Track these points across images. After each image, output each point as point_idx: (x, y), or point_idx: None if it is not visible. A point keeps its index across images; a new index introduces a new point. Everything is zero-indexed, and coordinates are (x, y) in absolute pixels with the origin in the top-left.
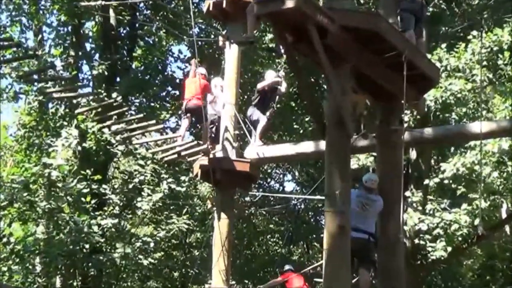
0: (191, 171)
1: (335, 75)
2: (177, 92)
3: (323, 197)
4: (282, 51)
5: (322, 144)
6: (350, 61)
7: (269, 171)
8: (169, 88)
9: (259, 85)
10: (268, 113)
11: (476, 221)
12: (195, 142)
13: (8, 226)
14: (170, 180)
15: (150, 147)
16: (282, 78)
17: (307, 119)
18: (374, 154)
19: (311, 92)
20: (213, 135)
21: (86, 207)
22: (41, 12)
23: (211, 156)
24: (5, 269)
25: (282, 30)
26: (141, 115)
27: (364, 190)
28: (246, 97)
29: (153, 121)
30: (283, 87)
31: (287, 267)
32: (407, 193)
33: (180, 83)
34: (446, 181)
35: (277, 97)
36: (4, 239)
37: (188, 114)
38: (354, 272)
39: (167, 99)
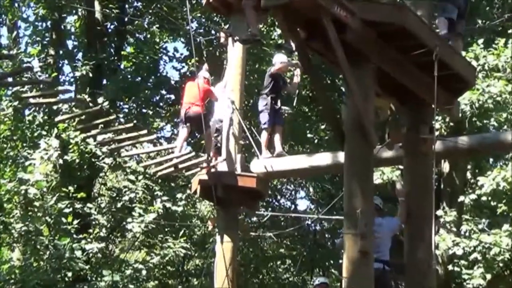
0: (189, 187)
1: (355, 76)
2: (172, 97)
3: (342, 217)
4: (294, 48)
5: (341, 156)
6: (372, 60)
7: (279, 187)
8: (164, 92)
9: (273, 69)
10: (279, 119)
11: None
12: (193, 154)
13: None
14: (165, 198)
15: (141, 160)
16: (298, 67)
17: (322, 126)
18: (401, 167)
19: (327, 96)
20: (218, 145)
21: (68, 229)
22: (16, 4)
23: (212, 170)
24: None
25: (294, 25)
26: (131, 123)
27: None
28: (251, 101)
29: (145, 131)
30: (297, 76)
31: (321, 279)
32: (439, 212)
33: (176, 86)
34: (484, 198)
35: (292, 89)
36: None
37: (188, 124)
38: None
39: (161, 104)
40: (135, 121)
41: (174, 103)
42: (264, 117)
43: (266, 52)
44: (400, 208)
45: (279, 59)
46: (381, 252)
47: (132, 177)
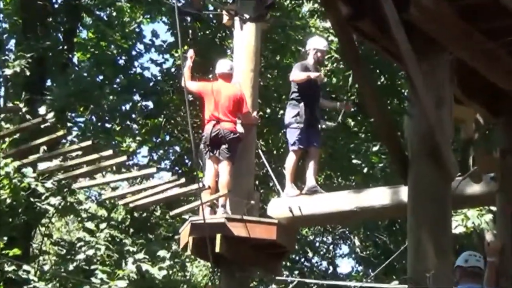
0: (176, 240)
1: (423, 73)
2: (150, 104)
3: (405, 286)
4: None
5: (402, 192)
6: (449, 49)
7: (311, 239)
8: (137, 98)
9: (291, 76)
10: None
11: None
12: (181, 181)
13: None
14: (140, 256)
15: (105, 200)
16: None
17: (375, 148)
18: (493, 208)
19: (382, 102)
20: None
21: None
22: None
23: (207, 213)
24: None
25: None
26: (89, 142)
27: (466, 280)
28: (269, 111)
29: (109, 151)
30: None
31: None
32: None
33: (156, 88)
34: None
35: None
36: None
37: (215, 150)
38: None
39: (134, 116)
40: (95, 140)
41: (154, 114)
42: (292, 134)
43: (291, 38)
44: (488, 270)
45: (314, 44)
46: None
47: (90, 224)
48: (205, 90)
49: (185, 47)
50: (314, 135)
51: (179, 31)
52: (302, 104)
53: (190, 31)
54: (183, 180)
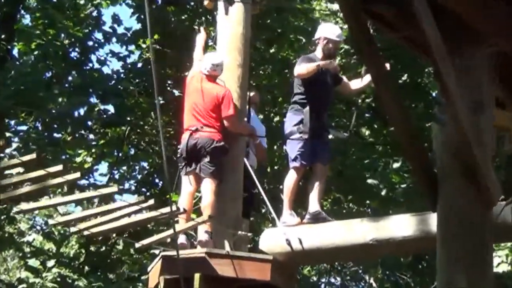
0: (143, 282)
1: (457, 71)
2: (111, 109)
3: None
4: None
5: (431, 220)
6: (489, 41)
7: (314, 279)
8: (94, 100)
9: (296, 70)
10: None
11: None
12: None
13: None
14: None
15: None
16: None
17: (395, 165)
18: None
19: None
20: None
21: None
22: None
23: (182, 243)
24: None
25: None
26: (33, 155)
27: None
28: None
29: (59, 167)
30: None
31: None
32: None
33: (119, 88)
34: None
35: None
36: None
37: (193, 163)
38: None
39: (90, 123)
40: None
41: (115, 121)
42: (294, 147)
43: (289, 24)
44: None
45: (325, 33)
46: None
47: (35, 262)
48: (188, 88)
49: (156, 37)
50: (320, 149)
51: (148, 15)
52: (306, 108)
53: (162, 16)
54: (151, 201)
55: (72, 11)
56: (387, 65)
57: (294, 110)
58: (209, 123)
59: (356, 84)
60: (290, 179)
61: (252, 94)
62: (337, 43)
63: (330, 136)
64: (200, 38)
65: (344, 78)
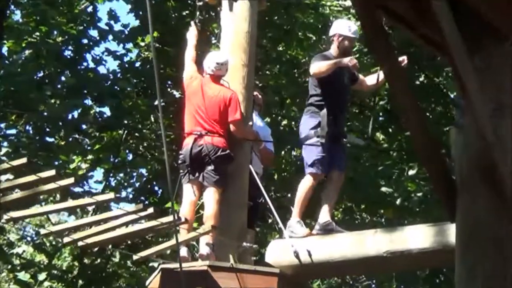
0: None
1: (477, 71)
2: (107, 111)
3: None
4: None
5: (449, 231)
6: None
7: None
8: (88, 102)
9: (311, 69)
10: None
11: None
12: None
13: None
14: None
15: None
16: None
17: (411, 172)
18: None
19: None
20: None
21: None
22: None
23: (184, 256)
24: None
25: None
26: (23, 160)
27: None
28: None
29: (51, 172)
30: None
31: None
32: None
33: (115, 89)
34: None
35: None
36: None
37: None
38: None
39: (84, 127)
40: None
41: (112, 125)
42: (311, 152)
43: (297, 21)
44: None
45: (340, 30)
46: None
47: (25, 275)
48: (188, 90)
49: (155, 34)
50: (338, 155)
51: (149, 8)
52: (324, 111)
53: (162, 12)
54: (151, 210)
55: (66, 7)
56: (405, 58)
57: (310, 113)
58: (213, 128)
59: (372, 79)
60: (305, 185)
61: (254, 94)
62: (353, 40)
63: (345, 142)
64: (191, 35)
65: (360, 76)
